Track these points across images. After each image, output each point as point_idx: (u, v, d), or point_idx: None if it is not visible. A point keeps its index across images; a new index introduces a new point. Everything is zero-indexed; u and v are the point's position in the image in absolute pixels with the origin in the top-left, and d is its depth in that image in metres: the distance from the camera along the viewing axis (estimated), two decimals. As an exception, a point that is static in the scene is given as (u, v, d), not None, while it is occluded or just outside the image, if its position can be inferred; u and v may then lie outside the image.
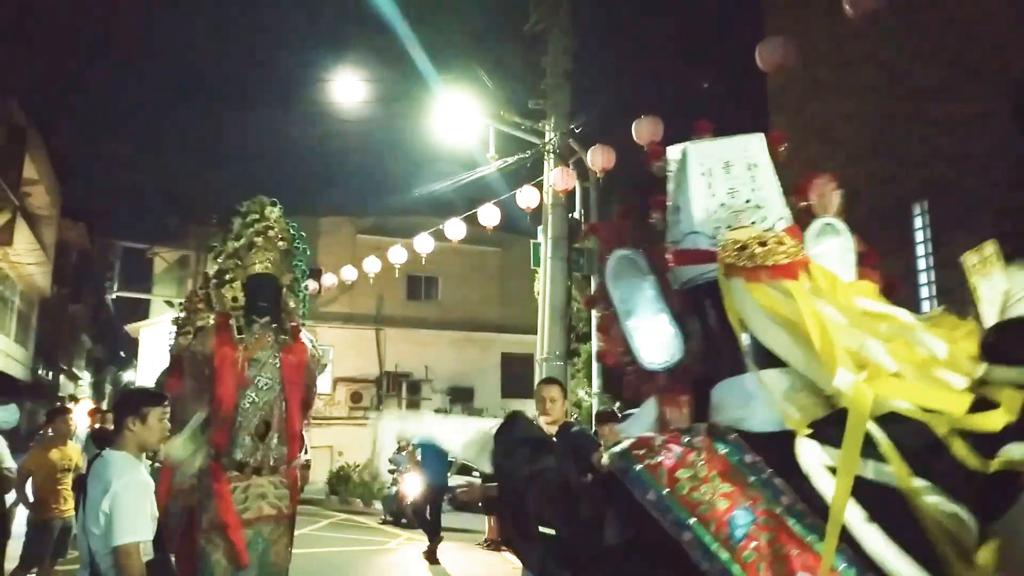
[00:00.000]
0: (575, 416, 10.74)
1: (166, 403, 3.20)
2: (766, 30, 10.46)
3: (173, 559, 3.67)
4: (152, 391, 3.37)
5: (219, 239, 4.19)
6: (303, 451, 4.35)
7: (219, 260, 4.14)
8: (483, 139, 11.49)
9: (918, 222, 9.20)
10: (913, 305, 9.03)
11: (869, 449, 1.49)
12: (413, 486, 12.61)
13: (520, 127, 11.11)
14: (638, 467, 1.63)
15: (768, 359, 1.70)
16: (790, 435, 1.57)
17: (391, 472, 13.33)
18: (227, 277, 4.06)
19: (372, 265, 13.58)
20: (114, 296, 25.33)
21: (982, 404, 1.49)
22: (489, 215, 10.97)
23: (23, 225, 19.41)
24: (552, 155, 10.70)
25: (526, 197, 10.32)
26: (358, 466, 16.13)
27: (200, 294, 6.80)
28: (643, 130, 8.14)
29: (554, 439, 4.79)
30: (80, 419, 8.94)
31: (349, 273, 14.31)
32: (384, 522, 12.98)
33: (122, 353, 38.02)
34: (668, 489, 1.56)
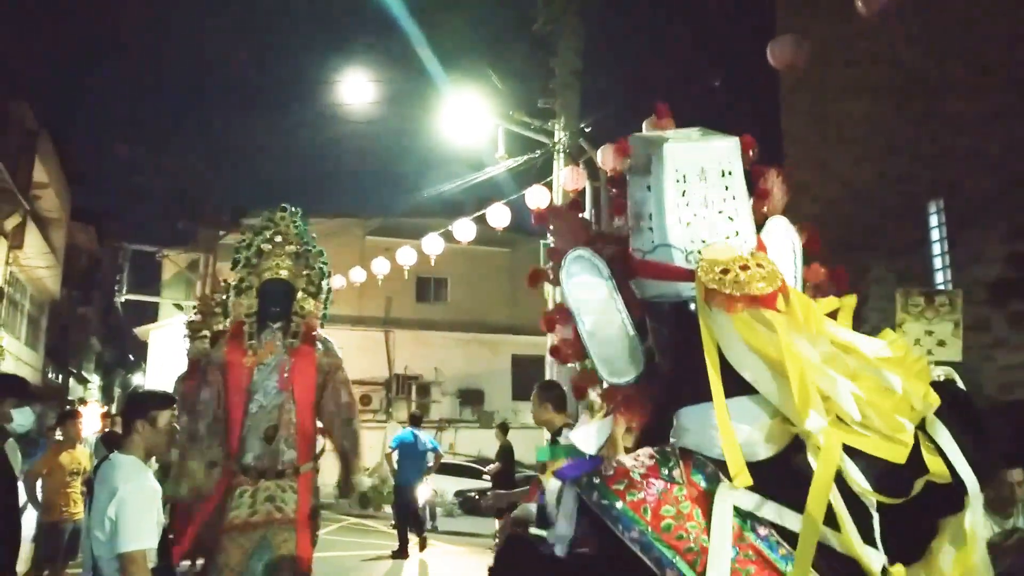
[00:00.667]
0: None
1: (175, 406, 3.17)
2: (778, 28, 10.37)
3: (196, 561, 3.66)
4: (161, 394, 3.34)
5: (236, 251, 4.27)
6: (320, 453, 4.32)
7: (236, 271, 4.19)
8: (492, 139, 11.44)
9: (933, 220, 9.10)
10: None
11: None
12: (421, 490, 12.59)
13: (529, 127, 11.06)
14: (619, 504, 1.62)
15: (739, 386, 1.70)
16: (756, 465, 1.62)
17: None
18: (244, 285, 4.11)
19: (381, 266, 13.54)
20: (123, 299, 25.42)
21: (916, 454, 1.66)
22: (498, 216, 10.92)
23: (33, 228, 19.50)
24: (562, 155, 10.65)
25: (536, 197, 10.25)
26: (368, 469, 16.08)
27: (217, 299, 6.82)
28: (653, 129, 8.07)
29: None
30: (92, 422, 8.97)
31: (358, 275, 14.28)
32: (394, 526, 12.92)
33: (131, 356, 38.19)
34: (651, 528, 1.58)
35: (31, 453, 7.48)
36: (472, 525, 12.23)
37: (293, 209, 4.24)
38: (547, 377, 10.51)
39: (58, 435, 6.89)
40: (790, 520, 1.56)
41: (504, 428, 11.69)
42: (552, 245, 2.07)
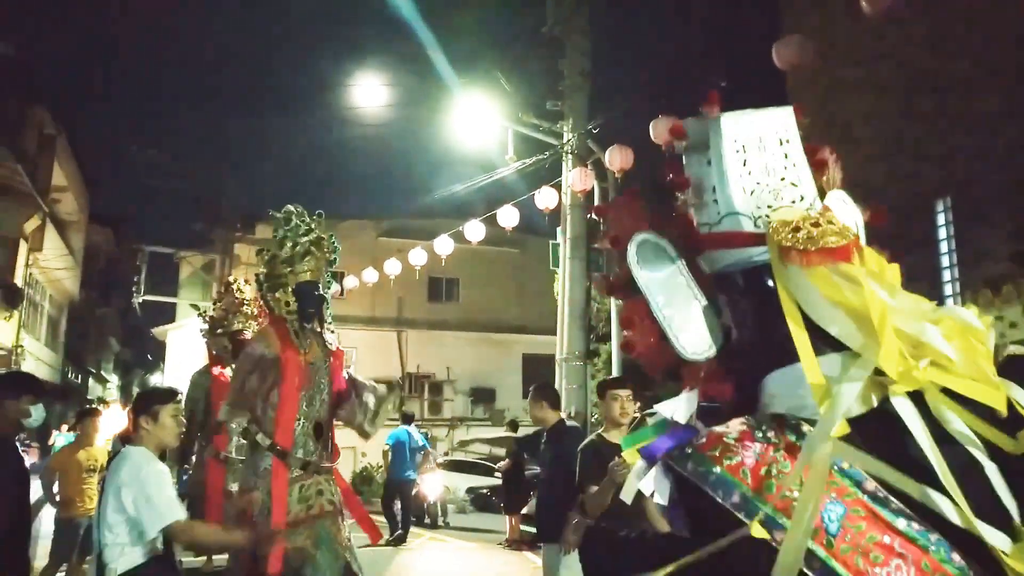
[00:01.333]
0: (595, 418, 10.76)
1: (179, 399, 3.30)
2: (784, 28, 10.41)
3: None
4: (163, 389, 3.49)
5: (274, 244, 4.23)
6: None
7: (271, 265, 4.19)
8: (501, 141, 11.55)
9: (941, 219, 9.12)
10: (937, 303, 8.93)
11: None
12: (433, 487, 12.74)
13: (538, 128, 11.15)
14: (717, 469, 1.55)
15: (826, 343, 1.65)
16: (853, 422, 1.54)
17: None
18: (281, 282, 4.14)
19: (393, 267, 13.66)
20: (141, 300, 25.72)
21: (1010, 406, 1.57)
22: (508, 216, 11.02)
23: (52, 231, 19.79)
24: (570, 156, 10.73)
25: (545, 198, 10.34)
26: (380, 467, 16.25)
27: (239, 299, 6.90)
28: (661, 130, 8.15)
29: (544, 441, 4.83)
30: (117, 422, 9.15)
31: (370, 275, 14.42)
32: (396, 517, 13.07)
33: (149, 356, 38.59)
34: (753, 490, 1.51)
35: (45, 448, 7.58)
36: (483, 521, 12.35)
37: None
38: (557, 375, 10.62)
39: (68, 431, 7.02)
40: (890, 476, 1.50)
41: (514, 426, 11.79)
42: (612, 234, 2.00)
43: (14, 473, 3.65)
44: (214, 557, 6.35)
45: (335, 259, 4.38)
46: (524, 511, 10.38)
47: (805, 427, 1.60)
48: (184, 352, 19.87)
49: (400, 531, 10.38)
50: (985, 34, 8.56)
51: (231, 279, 7.83)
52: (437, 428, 21.68)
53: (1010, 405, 1.59)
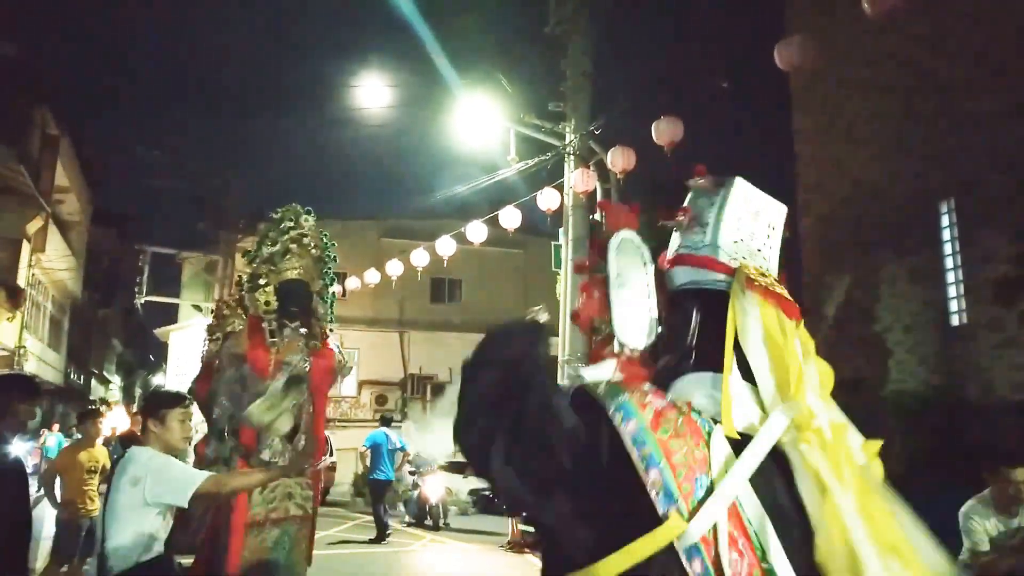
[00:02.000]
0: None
1: (187, 403, 3.30)
2: (788, 28, 10.39)
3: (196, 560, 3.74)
4: (172, 393, 3.48)
5: (254, 244, 4.26)
6: (329, 453, 4.42)
7: (253, 264, 4.19)
8: (504, 142, 11.53)
9: (945, 220, 9.09)
10: (941, 304, 8.95)
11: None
12: (434, 488, 12.74)
13: (540, 129, 11.14)
14: (624, 395, 1.70)
15: (743, 372, 1.86)
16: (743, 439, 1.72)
17: (412, 475, 13.45)
18: (261, 282, 4.12)
19: (395, 268, 13.66)
20: (143, 301, 25.74)
21: None
22: (510, 217, 11.02)
23: (55, 231, 19.82)
24: (572, 157, 10.72)
25: (547, 199, 10.34)
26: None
27: (230, 298, 6.94)
28: (663, 131, 8.14)
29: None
30: (120, 423, 9.16)
31: (372, 276, 14.42)
32: (408, 524, 13.06)
33: (151, 357, 38.63)
34: (650, 427, 1.64)
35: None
36: (485, 523, 12.33)
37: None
38: (559, 378, 10.58)
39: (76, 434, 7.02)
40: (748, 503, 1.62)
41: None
42: (604, 229, 2.28)
43: (13, 474, 3.65)
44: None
45: (330, 256, 4.32)
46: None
47: (708, 416, 1.77)
48: (187, 353, 19.90)
49: (377, 535, 10.67)
50: (988, 35, 8.54)
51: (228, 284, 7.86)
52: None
53: None
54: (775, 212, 2.18)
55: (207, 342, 7.00)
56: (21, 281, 17.62)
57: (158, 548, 3.04)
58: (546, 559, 1.68)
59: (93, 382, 31.11)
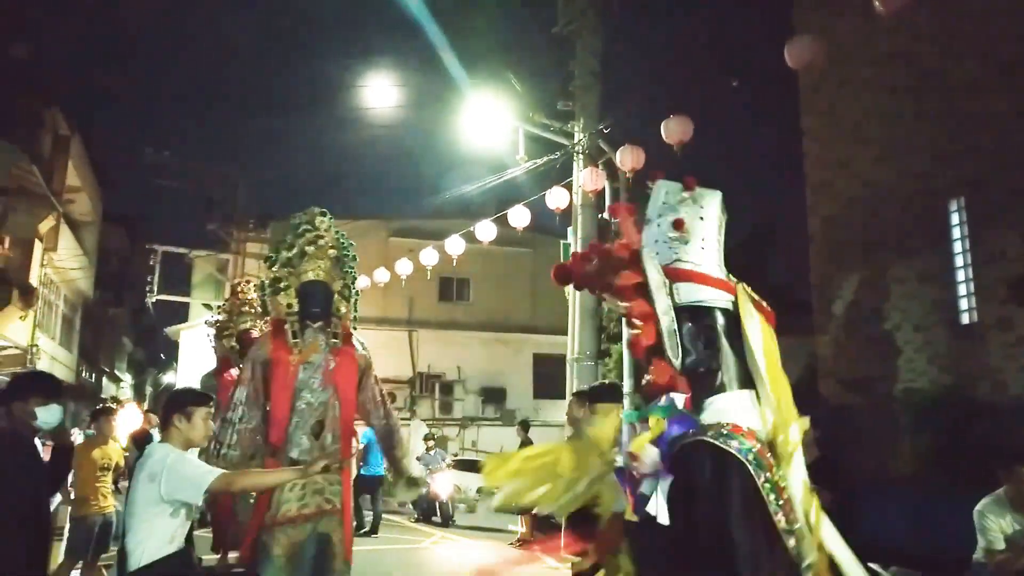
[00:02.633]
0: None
1: (211, 403, 3.37)
2: (796, 28, 10.38)
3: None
4: (199, 392, 3.58)
5: (273, 250, 4.37)
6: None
7: (273, 269, 4.28)
8: (512, 141, 11.57)
9: (954, 219, 9.05)
10: (951, 303, 8.91)
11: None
12: (444, 485, 12.78)
13: (549, 129, 11.17)
14: (753, 447, 2.11)
15: (744, 381, 2.24)
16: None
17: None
18: (281, 285, 4.21)
19: (404, 267, 13.71)
20: (154, 300, 25.89)
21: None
22: (519, 216, 11.03)
23: (67, 231, 19.96)
24: (581, 156, 10.74)
25: (556, 198, 10.35)
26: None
27: (242, 300, 7.00)
28: (672, 129, 8.14)
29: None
30: (132, 420, 9.22)
31: (382, 275, 14.48)
32: (417, 520, 13.13)
33: (162, 355, 38.88)
34: (769, 474, 2.05)
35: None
36: (492, 520, 12.36)
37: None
38: (568, 376, 10.63)
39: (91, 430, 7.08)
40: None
41: (525, 425, 11.82)
42: (623, 241, 2.51)
43: (28, 471, 3.71)
44: (229, 555, 6.39)
45: (349, 256, 4.40)
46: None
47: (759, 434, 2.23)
48: (197, 351, 20.00)
49: (367, 527, 10.95)
50: (997, 33, 8.51)
51: (236, 283, 7.91)
52: (448, 428, 21.72)
53: None
54: (721, 210, 2.45)
55: (217, 339, 7.09)
56: (34, 280, 17.77)
57: (178, 543, 3.10)
58: None
59: (104, 380, 31.30)
